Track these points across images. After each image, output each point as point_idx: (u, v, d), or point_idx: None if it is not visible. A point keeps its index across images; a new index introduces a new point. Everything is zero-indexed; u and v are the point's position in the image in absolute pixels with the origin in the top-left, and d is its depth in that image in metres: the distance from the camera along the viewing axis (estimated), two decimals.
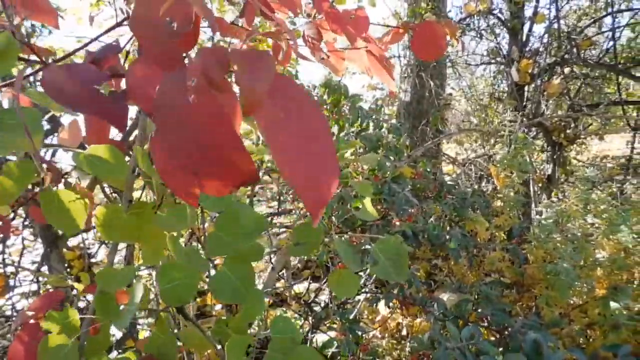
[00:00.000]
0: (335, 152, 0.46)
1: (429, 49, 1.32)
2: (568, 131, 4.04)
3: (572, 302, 1.86)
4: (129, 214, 0.96)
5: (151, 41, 0.48)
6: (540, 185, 3.59)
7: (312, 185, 0.43)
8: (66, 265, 2.38)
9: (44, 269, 1.99)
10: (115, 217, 0.92)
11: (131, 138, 1.41)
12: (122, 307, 0.93)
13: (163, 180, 0.48)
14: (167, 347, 0.86)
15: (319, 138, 0.45)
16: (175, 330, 1.55)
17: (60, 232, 1.83)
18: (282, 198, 3.04)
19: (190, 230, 1.61)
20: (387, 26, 1.47)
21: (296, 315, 2.48)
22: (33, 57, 0.66)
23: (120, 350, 1.82)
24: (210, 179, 0.44)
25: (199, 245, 1.34)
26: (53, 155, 1.67)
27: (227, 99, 0.47)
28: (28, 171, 0.75)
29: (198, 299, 2.75)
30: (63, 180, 1.31)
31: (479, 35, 4.28)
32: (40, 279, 2.17)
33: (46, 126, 1.62)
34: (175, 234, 0.94)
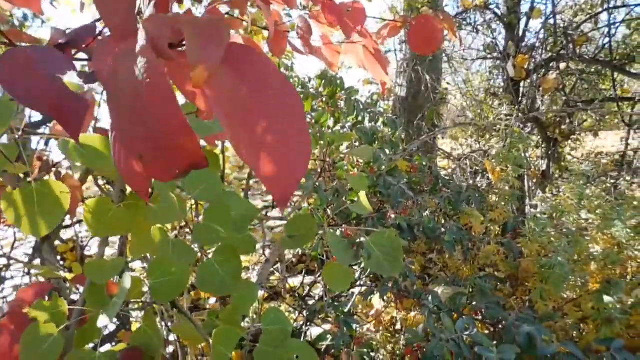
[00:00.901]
0: (308, 133, 0.42)
1: (426, 43, 1.31)
2: (563, 127, 4.04)
3: (565, 296, 1.86)
4: (120, 206, 0.95)
5: (110, 10, 0.42)
6: (534, 180, 3.59)
7: (280, 171, 0.39)
8: (59, 257, 2.36)
9: (37, 261, 1.97)
10: (105, 210, 0.90)
11: None
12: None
13: (119, 172, 0.44)
14: (153, 340, 0.85)
15: (288, 117, 0.40)
16: (169, 324, 1.54)
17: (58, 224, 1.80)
18: None
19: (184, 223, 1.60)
20: (384, 20, 1.46)
21: (291, 308, 2.47)
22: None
23: (113, 343, 1.81)
24: (154, 163, 0.41)
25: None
26: (46, 144, 1.65)
27: (177, 71, 0.44)
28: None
29: (192, 292, 2.74)
30: (54, 170, 1.29)
31: (475, 30, 4.27)
32: (33, 271, 2.15)
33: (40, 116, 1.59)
34: (168, 226, 0.93)
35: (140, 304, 1.12)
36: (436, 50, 1.30)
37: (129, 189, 1.03)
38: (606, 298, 1.51)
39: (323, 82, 2.33)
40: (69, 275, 1.35)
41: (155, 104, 0.37)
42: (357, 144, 2.22)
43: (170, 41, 0.39)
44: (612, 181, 3.51)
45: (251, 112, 0.39)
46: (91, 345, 1.00)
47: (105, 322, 0.78)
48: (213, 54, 0.36)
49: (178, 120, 0.37)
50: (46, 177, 1.18)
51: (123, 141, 0.41)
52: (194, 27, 0.38)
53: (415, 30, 1.27)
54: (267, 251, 2.36)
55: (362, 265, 2.36)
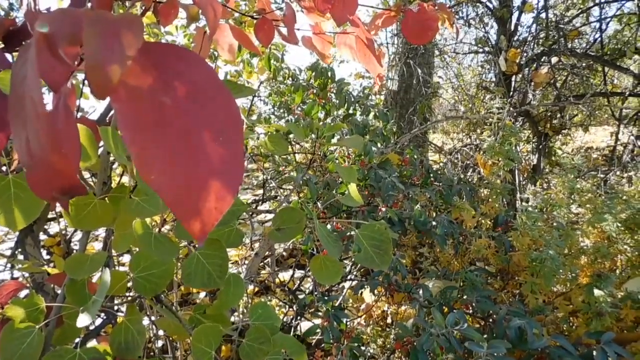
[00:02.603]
0: (242, 159, 0.35)
1: (420, 32, 1.28)
2: (554, 122, 4.05)
3: (555, 290, 1.86)
4: (103, 198, 0.92)
5: None
6: (525, 175, 3.60)
7: (207, 202, 0.33)
8: (46, 251, 2.32)
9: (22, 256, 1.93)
10: (86, 202, 0.87)
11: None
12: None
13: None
14: (135, 335, 0.82)
15: (225, 141, 0.33)
16: (153, 318, 1.51)
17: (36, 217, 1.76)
18: (268, 186, 3.00)
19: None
20: (379, 8, 1.43)
21: (281, 303, 2.45)
22: None
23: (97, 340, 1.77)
24: (33, 176, 0.37)
25: None
26: None
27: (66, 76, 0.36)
28: None
29: (182, 287, 2.71)
30: None
31: (467, 24, 4.25)
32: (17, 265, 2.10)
33: None
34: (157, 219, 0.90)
35: (129, 298, 1.09)
36: (431, 39, 1.27)
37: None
38: (596, 291, 1.50)
39: (314, 74, 2.30)
40: (52, 270, 1.31)
41: (32, 114, 0.33)
42: (347, 136, 2.20)
43: (73, 41, 0.31)
44: (602, 175, 3.52)
45: (176, 131, 0.32)
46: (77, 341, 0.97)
47: (86, 322, 0.75)
48: (118, 55, 0.29)
49: (51, 136, 0.33)
50: None
51: (15, 147, 0.37)
52: (97, 23, 0.30)
53: (410, 19, 1.24)
54: (257, 245, 2.34)
55: (353, 259, 2.34)
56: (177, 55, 0.34)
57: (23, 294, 1.04)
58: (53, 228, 2.87)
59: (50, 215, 2.37)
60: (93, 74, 0.28)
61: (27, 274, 1.63)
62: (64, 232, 2.23)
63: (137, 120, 0.32)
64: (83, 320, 0.73)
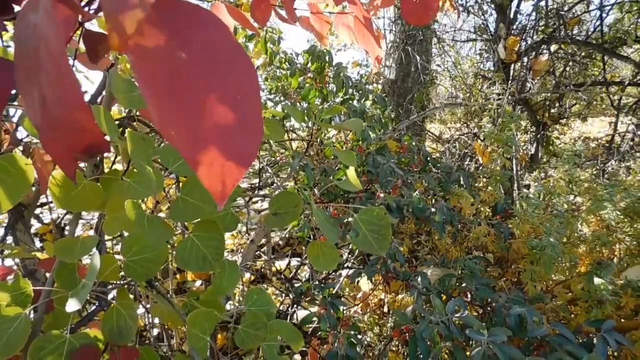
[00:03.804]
0: (261, 114, 0.33)
1: (421, 12, 1.24)
2: (552, 111, 4.03)
3: (555, 278, 1.85)
4: (92, 179, 0.88)
5: None
6: (523, 164, 3.58)
7: (228, 159, 0.31)
8: (39, 239, 2.28)
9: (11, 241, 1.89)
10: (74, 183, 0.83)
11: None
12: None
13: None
14: (127, 321, 0.79)
15: (242, 95, 0.32)
16: (148, 306, 1.48)
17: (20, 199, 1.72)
18: (264, 174, 2.96)
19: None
20: None
21: (277, 291, 2.43)
22: None
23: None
24: (51, 138, 0.34)
25: None
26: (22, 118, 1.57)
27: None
28: None
29: (178, 275, 2.69)
30: (22, 144, 1.22)
31: (466, 11, 4.20)
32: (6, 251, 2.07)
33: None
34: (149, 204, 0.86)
35: (125, 284, 1.06)
36: (430, 20, 1.24)
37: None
38: (596, 280, 1.49)
39: (311, 57, 2.25)
40: (43, 256, 1.28)
41: (49, 66, 0.30)
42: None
43: None
44: (600, 165, 3.51)
45: (191, 86, 0.31)
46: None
47: (75, 306, 0.72)
48: (133, 4, 0.28)
49: (72, 90, 0.30)
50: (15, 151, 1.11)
51: (26, 108, 0.34)
52: None
53: None
54: (253, 233, 2.31)
55: (350, 247, 2.32)
56: (193, 11, 0.32)
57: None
58: (47, 217, 2.83)
59: (43, 201, 2.33)
60: (109, 22, 0.27)
61: (18, 260, 1.59)
62: (57, 221, 2.20)
63: (155, 75, 0.30)
64: (72, 304, 0.70)
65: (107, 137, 0.79)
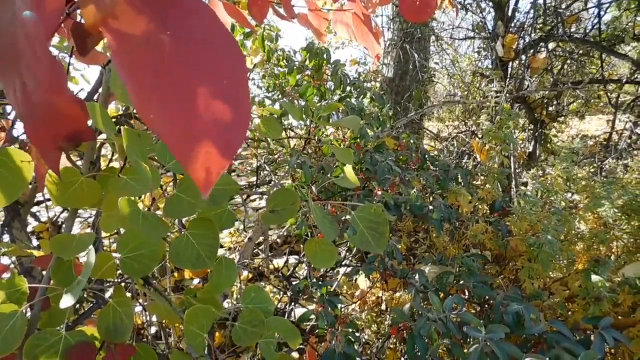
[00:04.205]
0: (248, 102, 0.31)
1: (419, 9, 1.24)
2: (550, 109, 4.03)
3: (552, 275, 1.85)
4: (89, 176, 0.88)
5: None
6: (521, 162, 3.59)
7: (215, 150, 0.30)
8: (36, 237, 2.27)
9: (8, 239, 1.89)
10: (72, 180, 0.83)
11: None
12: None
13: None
14: (123, 318, 0.79)
15: (229, 82, 0.30)
16: (146, 304, 1.48)
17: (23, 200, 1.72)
18: (261, 172, 2.96)
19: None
20: None
21: (275, 289, 2.43)
22: None
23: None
24: (34, 125, 0.33)
25: None
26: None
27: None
28: None
29: (175, 273, 2.68)
30: (19, 141, 1.21)
31: (464, 9, 4.20)
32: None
33: None
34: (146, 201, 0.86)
35: (122, 282, 1.06)
36: (429, 18, 1.23)
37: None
38: (594, 277, 1.49)
39: (309, 54, 2.25)
40: (40, 254, 1.28)
41: (27, 49, 0.29)
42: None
43: None
44: (598, 162, 3.52)
45: (175, 73, 0.29)
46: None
47: (69, 302, 0.71)
48: None
49: (51, 72, 0.29)
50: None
51: (8, 98, 0.33)
52: None
53: None
54: (251, 231, 2.31)
55: (348, 244, 2.32)
56: None
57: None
58: (44, 215, 2.82)
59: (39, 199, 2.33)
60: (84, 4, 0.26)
61: (14, 258, 1.59)
62: (53, 219, 2.19)
63: (133, 60, 0.28)
64: (67, 301, 0.70)
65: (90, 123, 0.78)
